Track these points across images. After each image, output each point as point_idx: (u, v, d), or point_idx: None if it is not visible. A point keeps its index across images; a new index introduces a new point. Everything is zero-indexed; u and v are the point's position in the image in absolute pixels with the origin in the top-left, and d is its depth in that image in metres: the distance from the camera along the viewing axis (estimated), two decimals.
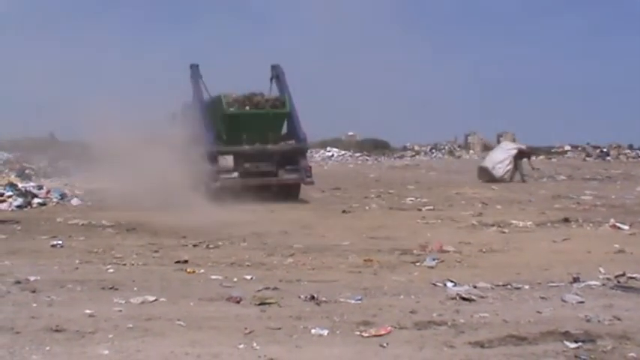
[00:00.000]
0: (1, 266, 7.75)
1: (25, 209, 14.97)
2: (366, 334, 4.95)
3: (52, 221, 12.50)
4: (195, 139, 17.46)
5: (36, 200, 16.00)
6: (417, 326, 5.16)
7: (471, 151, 76.98)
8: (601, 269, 7.24)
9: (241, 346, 4.67)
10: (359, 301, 5.97)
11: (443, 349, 4.62)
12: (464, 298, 6.00)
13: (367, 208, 15.26)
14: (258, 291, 6.35)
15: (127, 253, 8.73)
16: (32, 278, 6.91)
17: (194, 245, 9.45)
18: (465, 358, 4.46)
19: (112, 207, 15.48)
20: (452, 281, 6.71)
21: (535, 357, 4.47)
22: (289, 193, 17.00)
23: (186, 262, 8.02)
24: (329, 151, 63.74)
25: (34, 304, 5.84)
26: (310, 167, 17.26)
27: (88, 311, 5.54)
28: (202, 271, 7.49)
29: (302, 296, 6.10)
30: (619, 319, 5.28)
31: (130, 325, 5.14)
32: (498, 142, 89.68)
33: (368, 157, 62.87)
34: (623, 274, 6.93)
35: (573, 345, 4.63)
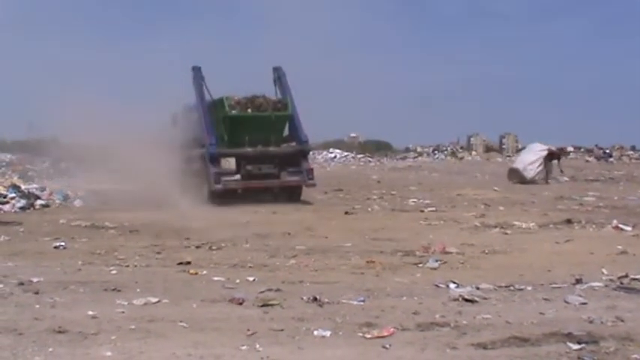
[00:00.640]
0: (4, 268, 7.76)
1: (28, 211, 14.99)
2: (369, 336, 4.95)
3: (54, 223, 12.51)
4: (198, 142, 17.51)
5: (39, 202, 16.02)
6: (419, 327, 5.16)
7: (474, 153, 76.99)
8: (604, 270, 7.24)
9: (244, 347, 4.67)
10: (361, 303, 5.97)
11: (445, 351, 4.62)
12: (466, 300, 5.99)
13: (370, 209, 15.26)
14: (261, 292, 6.35)
15: (129, 254, 8.74)
16: (35, 279, 6.92)
17: (197, 247, 9.46)
18: None
19: (114, 208, 15.50)
20: (454, 282, 6.71)
21: (538, 358, 4.47)
22: (291, 194, 17.02)
23: (188, 263, 8.02)
24: (331, 153, 63.78)
25: (37, 306, 5.85)
26: (312, 169, 17.26)
27: (90, 312, 5.54)
28: (205, 272, 7.49)
29: (304, 297, 6.10)
30: (622, 321, 5.28)
31: (133, 327, 5.14)
32: (501, 143, 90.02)
33: (370, 159, 62.86)
34: (626, 276, 6.94)
35: (576, 346, 4.62)
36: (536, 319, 5.39)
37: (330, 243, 9.73)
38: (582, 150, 62.09)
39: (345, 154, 65.63)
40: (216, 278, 7.13)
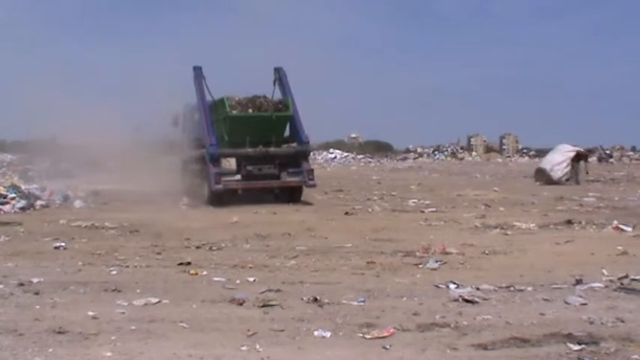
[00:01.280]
0: (5, 268, 7.76)
1: (28, 211, 14.98)
2: (369, 336, 4.95)
3: (54, 223, 12.51)
4: (198, 142, 17.52)
5: (39, 202, 16.02)
6: (419, 328, 5.16)
7: (474, 153, 77.08)
8: (604, 271, 7.23)
9: (244, 347, 4.68)
10: (362, 303, 5.97)
11: (446, 352, 4.62)
12: (467, 300, 6.00)
13: (370, 210, 15.25)
14: (261, 293, 6.36)
15: (129, 254, 8.74)
16: (35, 280, 6.92)
17: (197, 247, 9.46)
18: None
19: (114, 209, 15.52)
20: (455, 283, 6.70)
21: (538, 359, 4.47)
22: (292, 195, 17.02)
23: (189, 263, 8.02)
24: (332, 153, 63.86)
25: (37, 306, 5.85)
26: (313, 169, 17.24)
27: (90, 313, 5.55)
28: (205, 273, 7.49)
29: (305, 298, 6.11)
30: (622, 321, 5.28)
31: (133, 327, 5.14)
32: (501, 143, 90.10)
33: (371, 159, 62.96)
34: (626, 276, 6.93)
35: (576, 347, 4.63)
36: (536, 319, 5.39)
37: (330, 243, 9.73)
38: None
39: (346, 154, 65.74)
40: (216, 279, 7.13)
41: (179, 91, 20.37)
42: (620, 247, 8.90)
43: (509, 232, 10.90)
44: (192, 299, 6.12)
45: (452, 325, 5.22)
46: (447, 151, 75.52)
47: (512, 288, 6.53)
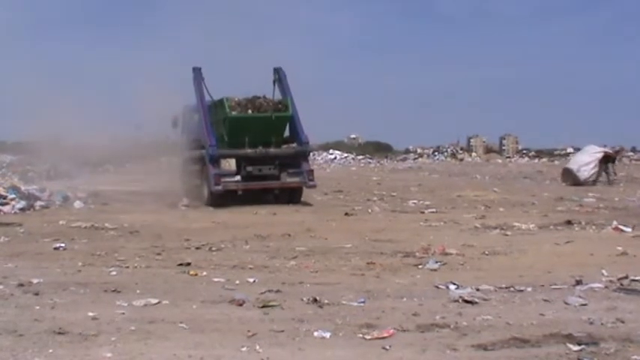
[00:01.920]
0: (4, 269, 7.76)
1: (28, 212, 14.99)
2: (369, 337, 4.95)
3: (54, 224, 12.51)
4: (198, 143, 17.51)
5: (39, 203, 16.02)
6: (419, 329, 5.16)
7: (474, 154, 77.10)
8: (604, 272, 7.23)
9: (244, 348, 4.68)
10: (362, 304, 5.97)
11: (446, 352, 4.62)
12: (467, 301, 5.99)
13: (370, 210, 15.25)
14: (261, 293, 6.36)
15: (129, 255, 8.73)
16: (35, 281, 6.92)
17: (197, 248, 9.46)
18: None
19: (114, 210, 15.52)
20: (455, 284, 6.70)
21: (538, 359, 4.47)
22: (292, 196, 17.01)
23: (189, 264, 8.02)
24: (332, 154, 63.86)
25: (37, 307, 5.85)
26: (313, 170, 17.24)
27: (90, 314, 5.55)
28: (205, 273, 7.49)
29: (305, 299, 6.10)
30: (622, 322, 5.28)
31: (133, 328, 5.14)
32: (501, 144, 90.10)
33: (371, 160, 62.97)
34: (626, 277, 6.93)
35: (576, 347, 4.62)
36: (536, 320, 5.39)
37: (330, 244, 9.73)
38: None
39: (345, 155, 65.76)
40: (216, 279, 7.13)
41: (178, 91, 20.35)
42: (619, 248, 8.90)
43: (509, 233, 10.89)
44: (192, 300, 6.12)
45: (452, 326, 5.22)
46: (446, 151, 75.53)
47: (512, 288, 6.53)
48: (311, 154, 19.27)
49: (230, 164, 16.25)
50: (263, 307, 5.85)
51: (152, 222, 12.56)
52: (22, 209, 15.07)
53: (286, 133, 17.28)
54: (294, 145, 17.08)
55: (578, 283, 6.68)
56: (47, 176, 25.14)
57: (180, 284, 6.91)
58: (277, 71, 17.67)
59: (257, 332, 5.03)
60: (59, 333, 4.99)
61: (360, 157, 66.01)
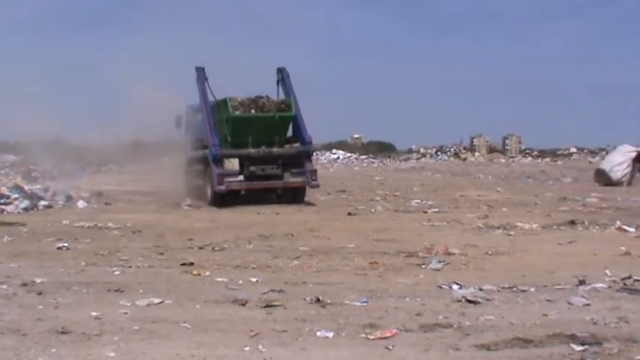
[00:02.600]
0: (8, 268, 7.78)
1: (31, 211, 15.02)
2: (372, 337, 4.95)
3: (57, 223, 12.53)
4: (201, 142, 17.52)
5: (42, 202, 16.04)
6: (422, 329, 5.16)
7: (477, 154, 76.97)
8: (607, 272, 7.22)
9: (247, 348, 4.68)
10: (364, 304, 5.97)
11: (448, 352, 4.61)
12: (470, 301, 5.99)
13: (373, 210, 15.24)
14: (264, 293, 6.36)
15: (132, 255, 8.75)
16: (38, 280, 6.93)
17: (200, 247, 9.46)
18: None
19: (117, 209, 15.54)
20: (458, 284, 6.70)
21: None
22: (295, 195, 17.01)
23: (192, 264, 8.03)
24: (335, 154, 63.76)
25: (40, 306, 5.86)
26: (316, 170, 17.23)
27: (93, 313, 5.55)
28: (208, 273, 7.50)
29: (307, 298, 6.11)
30: (625, 322, 5.27)
31: (136, 328, 5.15)
32: (504, 144, 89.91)
33: (374, 160, 62.88)
34: (630, 277, 6.92)
35: (579, 348, 4.62)
36: (539, 320, 5.38)
37: (333, 244, 9.73)
38: (585, 151, 61.98)
39: (349, 155, 65.64)
40: (219, 279, 7.14)
41: (182, 91, 20.38)
42: (623, 248, 8.89)
43: (512, 233, 10.88)
44: (195, 300, 6.13)
45: (455, 326, 5.21)
46: (449, 151, 75.37)
47: (515, 288, 6.52)
48: (314, 153, 19.26)
49: (233, 164, 16.25)
50: (266, 306, 5.86)
51: (155, 222, 12.57)
52: (25, 209, 15.10)
53: (289, 132, 17.29)
54: (297, 144, 17.08)
55: (582, 283, 6.67)
56: (50, 176, 25.16)
57: (183, 284, 6.92)
58: (280, 71, 17.68)
59: (260, 332, 5.03)
60: (62, 332, 5.00)
61: (363, 156, 65.92)
